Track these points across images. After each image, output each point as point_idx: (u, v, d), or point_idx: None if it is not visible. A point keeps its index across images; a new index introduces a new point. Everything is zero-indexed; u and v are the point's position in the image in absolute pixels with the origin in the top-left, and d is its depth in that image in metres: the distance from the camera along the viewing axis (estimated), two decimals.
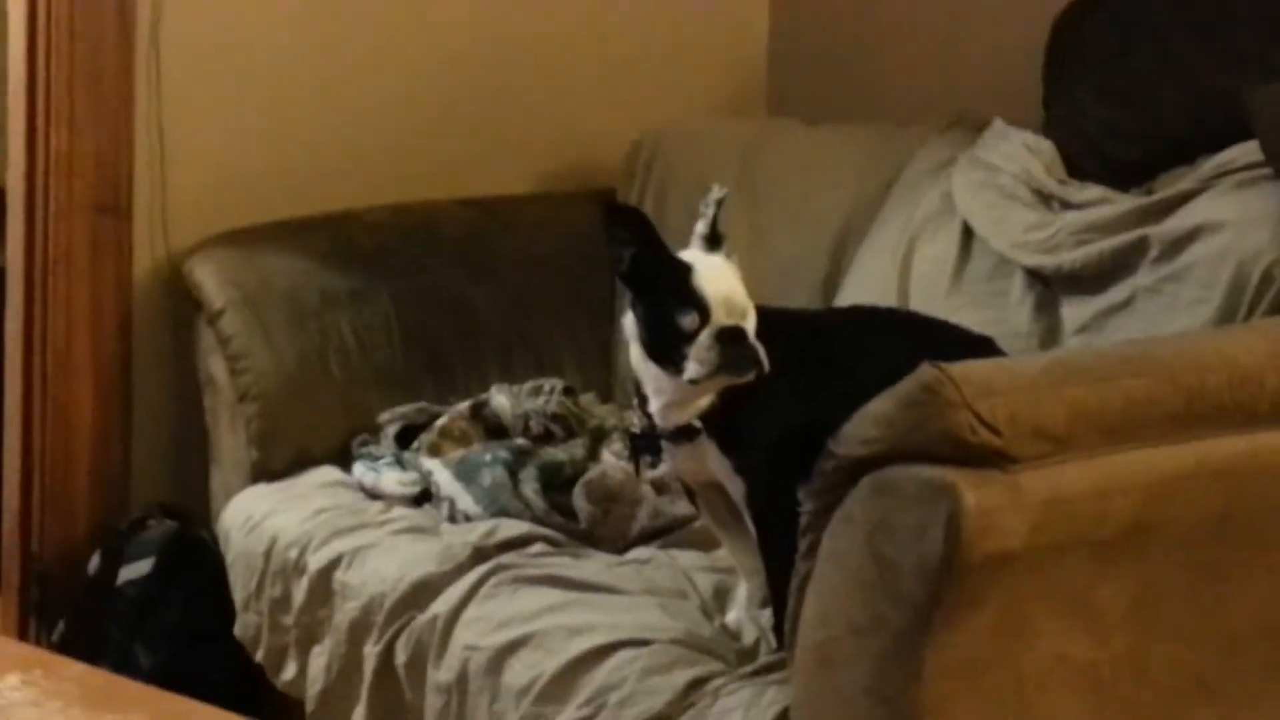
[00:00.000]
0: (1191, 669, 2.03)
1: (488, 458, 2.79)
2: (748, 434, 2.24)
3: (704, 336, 2.17)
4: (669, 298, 2.19)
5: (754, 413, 2.22)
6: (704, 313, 2.17)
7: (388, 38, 3.37)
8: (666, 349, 2.20)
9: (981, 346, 2.38)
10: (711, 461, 2.27)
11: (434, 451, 2.87)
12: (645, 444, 2.32)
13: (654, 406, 2.27)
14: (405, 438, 2.96)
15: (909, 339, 2.37)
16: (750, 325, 2.19)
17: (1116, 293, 2.60)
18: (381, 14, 3.36)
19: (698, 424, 2.25)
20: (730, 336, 2.17)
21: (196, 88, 3.19)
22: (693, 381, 2.19)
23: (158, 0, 3.12)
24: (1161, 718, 2.02)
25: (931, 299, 2.82)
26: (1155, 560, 1.99)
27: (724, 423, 2.24)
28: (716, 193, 2.27)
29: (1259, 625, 2.08)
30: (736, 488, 2.27)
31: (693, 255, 2.24)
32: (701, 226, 2.26)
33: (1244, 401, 2.01)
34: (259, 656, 2.82)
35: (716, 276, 2.20)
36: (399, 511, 2.78)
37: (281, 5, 3.27)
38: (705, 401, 2.24)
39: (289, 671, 2.75)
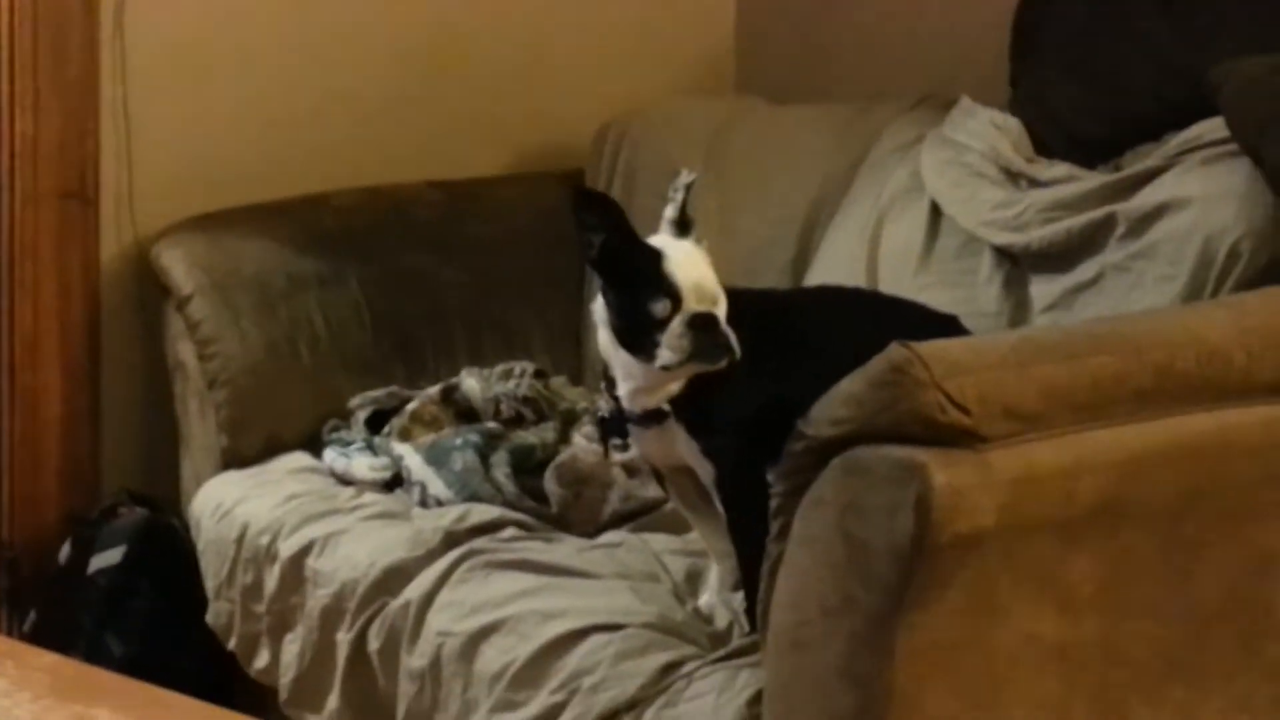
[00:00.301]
0: (1163, 647, 2.04)
1: (458, 442, 2.78)
2: (717, 417, 2.23)
3: (676, 324, 2.15)
4: (640, 284, 2.17)
5: (722, 396, 2.22)
6: (675, 300, 2.16)
7: (356, 19, 3.35)
8: (638, 336, 2.18)
9: (946, 325, 2.38)
10: (680, 445, 2.27)
11: (405, 436, 2.87)
12: (613, 427, 2.32)
13: (622, 391, 2.26)
14: (376, 422, 2.95)
15: (874, 318, 2.37)
16: (721, 312, 2.17)
17: (1084, 270, 2.60)
18: None
19: (666, 408, 2.25)
20: (702, 323, 2.15)
21: (162, 71, 3.17)
22: (665, 368, 2.18)
23: None
24: (1134, 696, 2.03)
25: (900, 278, 2.82)
26: (1125, 538, 1.99)
27: (692, 406, 2.24)
28: (685, 177, 2.25)
29: (1229, 602, 2.08)
30: (705, 471, 2.26)
31: (662, 241, 2.23)
32: (670, 211, 2.25)
33: (1212, 378, 2.02)
34: (231, 645, 2.81)
35: (687, 262, 2.18)
36: (370, 497, 2.77)
37: None
38: (675, 387, 2.23)
39: (261, 659, 2.75)
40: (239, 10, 3.25)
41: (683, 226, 2.23)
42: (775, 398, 2.12)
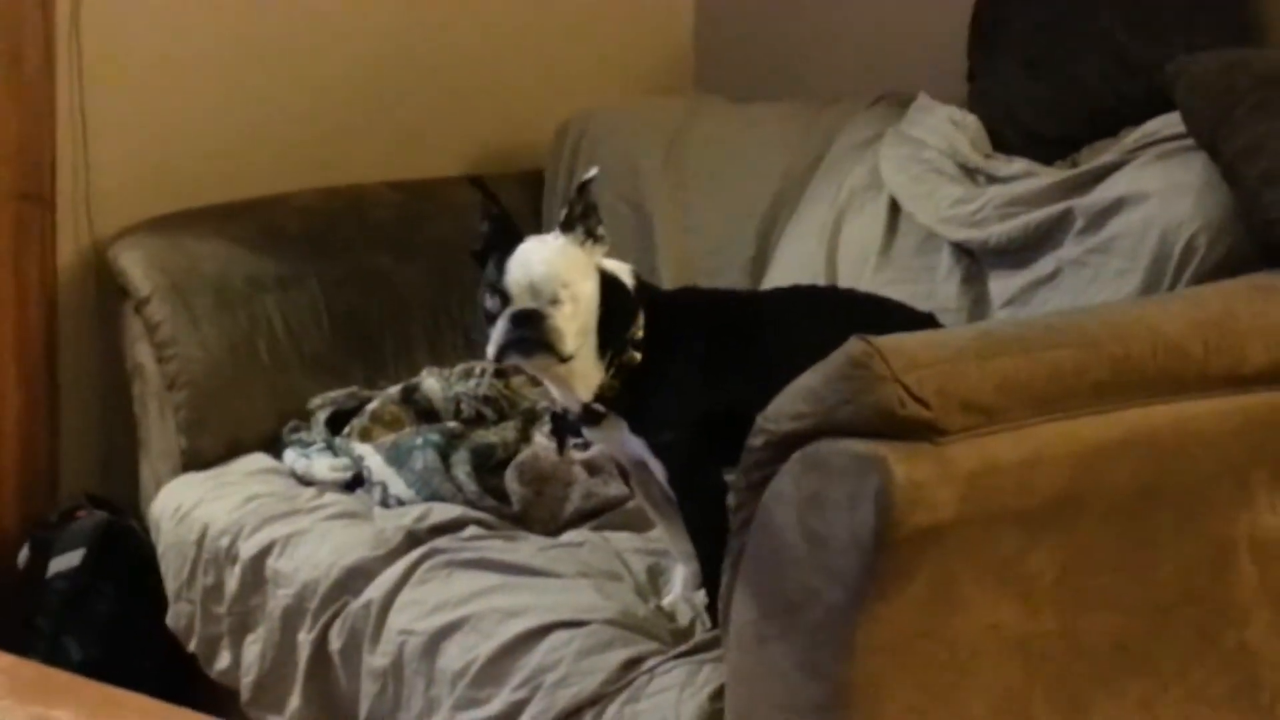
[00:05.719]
0: (1122, 637, 2.05)
1: (419, 441, 2.78)
2: (660, 414, 2.25)
3: (501, 319, 2.22)
4: (486, 280, 2.25)
5: (666, 394, 2.24)
6: (504, 297, 2.22)
7: (315, 19, 3.34)
8: (483, 329, 2.26)
9: (926, 324, 2.37)
10: (628, 442, 2.29)
11: (365, 436, 2.86)
12: (567, 424, 2.33)
13: (551, 390, 2.30)
14: (336, 423, 2.94)
15: (848, 319, 2.33)
16: (558, 309, 2.20)
17: (1042, 265, 2.61)
18: None
19: (599, 407, 2.26)
20: (523, 319, 2.21)
21: (119, 73, 3.16)
22: (496, 360, 2.25)
23: None
24: (1093, 686, 2.04)
25: (859, 275, 2.83)
26: (1084, 530, 2.00)
27: (634, 404, 2.25)
28: (586, 174, 2.30)
29: (1187, 593, 2.09)
30: (657, 468, 2.28)
31: (537, 239, 2.27)
32: (562, 210, 2.29)
33: (1169, 370, 2.03)
34: (192, 646, 2.80)
35: (534, 259, 2.22)
36: (331, 497, 2.77)
37: None
38: (587, 383, 2.25)
39: (223, 661, 2.74)
40: (196, 12, 3.24)
41: (568, 225, 2.26)
42: (729, 404, 2.13)
